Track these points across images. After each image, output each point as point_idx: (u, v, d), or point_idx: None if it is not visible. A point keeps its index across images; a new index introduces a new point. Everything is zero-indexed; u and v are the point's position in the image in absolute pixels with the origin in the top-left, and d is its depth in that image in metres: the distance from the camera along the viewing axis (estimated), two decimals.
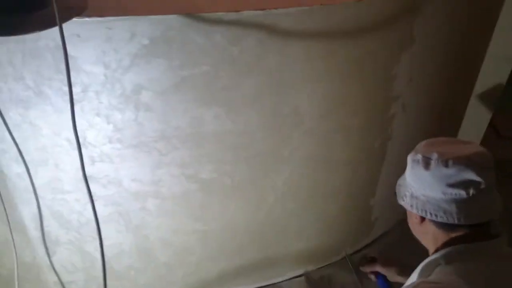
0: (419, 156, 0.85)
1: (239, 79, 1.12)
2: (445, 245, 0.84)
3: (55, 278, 1.53)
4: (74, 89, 1.04)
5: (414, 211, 0.87)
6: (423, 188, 0.84)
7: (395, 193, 0.97)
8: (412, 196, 0.87)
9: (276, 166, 1.36)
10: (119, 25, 0.95)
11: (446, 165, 0.79)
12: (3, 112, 1.06)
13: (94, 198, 1.29)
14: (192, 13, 0.97)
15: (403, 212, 1.00)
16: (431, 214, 0.82)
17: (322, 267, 1.80)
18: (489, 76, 2.03)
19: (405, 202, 0.90)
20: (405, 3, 1.23)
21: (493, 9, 1.80)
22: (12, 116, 1.08)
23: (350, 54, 1.21)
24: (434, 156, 0.82)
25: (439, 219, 0.82)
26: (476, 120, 2.20)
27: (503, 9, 1.81)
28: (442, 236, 0.85)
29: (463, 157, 0.79)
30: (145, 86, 1.06)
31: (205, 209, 1.39)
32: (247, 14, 1.01)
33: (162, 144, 1.18)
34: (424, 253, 0.93)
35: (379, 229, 1.94)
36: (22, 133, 1.11)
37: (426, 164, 0.82)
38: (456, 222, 0.80)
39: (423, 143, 0.91)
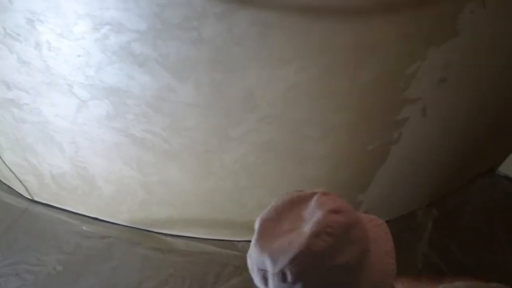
0: (254, 266, 0.53)
1: (165, 45, 0.83)
2: None
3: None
4: None
5: None
6: None
7: None
8: None
9: (222, 144, 1.11)
10: None
11: (284, 280, 0.48)
12: None
13: (22, 121, 1.19)
14: None
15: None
16: None
17: None
18: None
19: None
20: None
21: None
22: None
23: (335, 35, 0.84)
24: (267, 263, 0.50)
25: None
26: None
27: None
28: None
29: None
30: (41, 19, 0.83)
31: (142, 163, 1.23)
32: None
33: (78, 90, 0.99)
34: None
35: None
36: None
37: (263, 278, 0.51)
38: None
39: (258, 225, 0.54)
